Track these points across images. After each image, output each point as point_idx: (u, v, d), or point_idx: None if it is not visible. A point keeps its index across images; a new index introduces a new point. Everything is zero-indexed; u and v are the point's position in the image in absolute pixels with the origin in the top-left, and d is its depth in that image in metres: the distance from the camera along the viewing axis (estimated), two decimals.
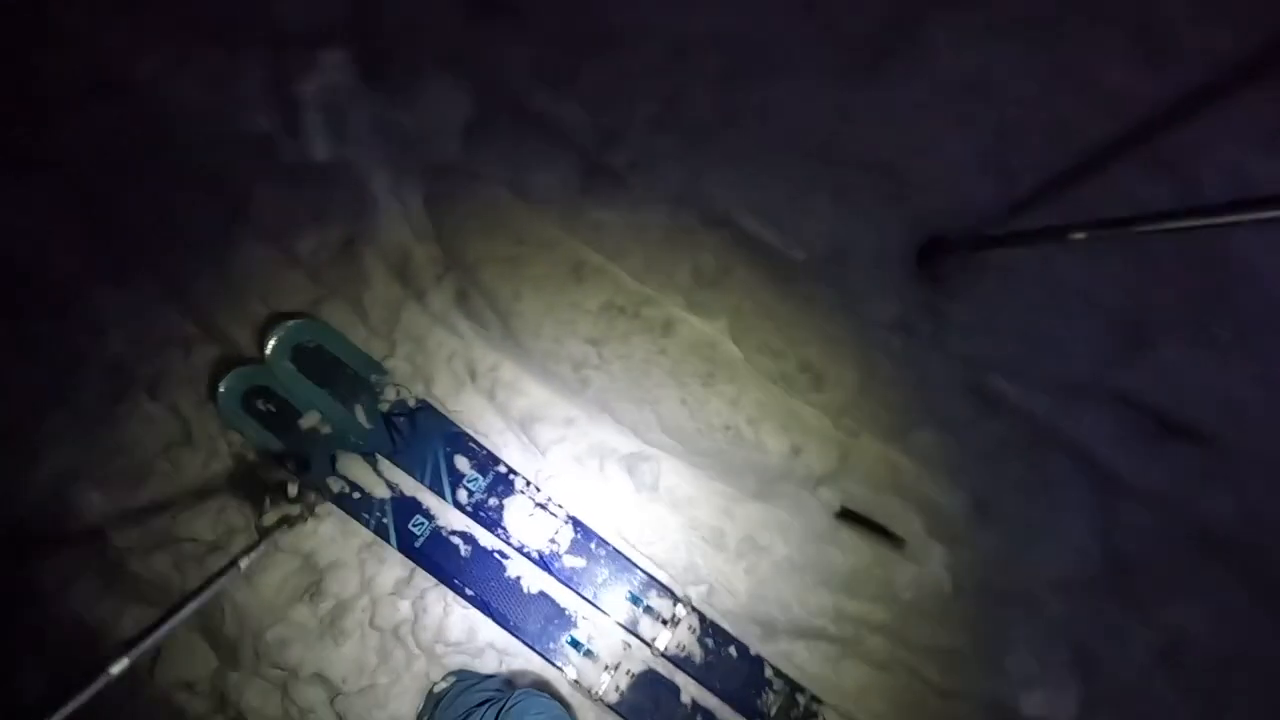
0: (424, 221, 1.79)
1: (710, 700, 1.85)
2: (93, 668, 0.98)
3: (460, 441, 1.96)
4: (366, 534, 2.03)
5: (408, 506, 1.96)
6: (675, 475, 1.81)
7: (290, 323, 1.99)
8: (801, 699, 1.82)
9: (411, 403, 1.99)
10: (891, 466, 1.51)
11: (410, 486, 1.98)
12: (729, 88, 1.40)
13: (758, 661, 1.84)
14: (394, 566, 2.14)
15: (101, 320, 2.13)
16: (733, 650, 1.84)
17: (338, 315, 2.04)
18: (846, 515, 1.71)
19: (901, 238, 1.40)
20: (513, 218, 1.56)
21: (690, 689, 1.87)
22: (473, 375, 1.94)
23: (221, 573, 1.46)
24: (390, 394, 1.99)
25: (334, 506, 1.99)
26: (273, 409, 2.02)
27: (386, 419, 1.97)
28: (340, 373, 1.99)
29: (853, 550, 1.65)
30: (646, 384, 1.58)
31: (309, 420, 2.02)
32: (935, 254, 1.36)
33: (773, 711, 1.82)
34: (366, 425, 1.96)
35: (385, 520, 1.94)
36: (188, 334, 2.15)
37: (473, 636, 2.04)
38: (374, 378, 1.99)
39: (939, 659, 1.61)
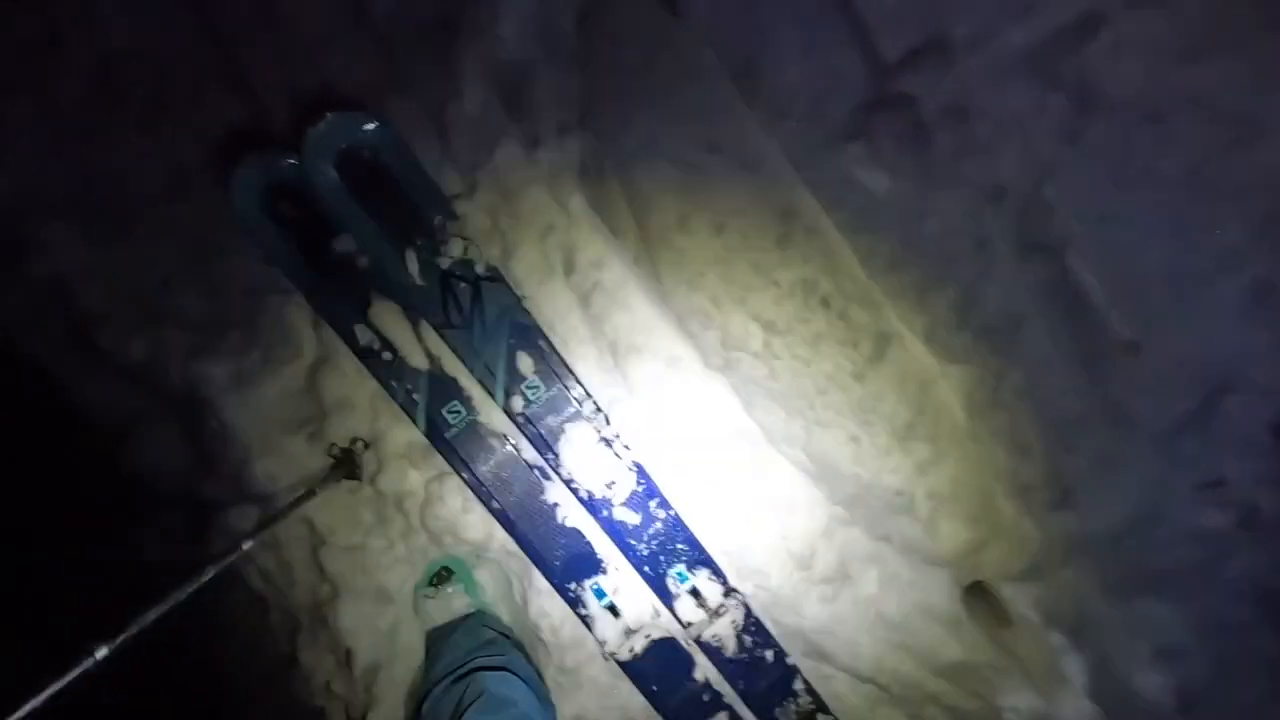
0: (567, 38, 1.19)
1: (724, 688, 1.67)
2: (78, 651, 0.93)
3: (530, 337, 1.55)
4: None
5: (447, 389, 1.62)
6: (781, 475, 1.44)
7: (342, 115, 1.42)
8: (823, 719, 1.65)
9: (480, 269, 1.54)
10: (1086, 610, 1.16)
11: (455, 367, 1.59)
12: None
13: (792, 671, 1.69)
14: (411, 427, 1.79)
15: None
16: (769, 654, 1.68)
17: (408, 119, 1.48)
18: (977, 597, 1.39)
19: None
20: (716, 106, 0.99)
21: (708, 671, 1.67)
22: (569, 266, 1.48)
23: (226, 555, 1.33)
24: (455, 248, 1.52)
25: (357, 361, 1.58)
26: (299, 218, 1.52)
27: (444, 279, 1.54)
28: (396, 199, 1.54)
29: (968, 645, 1.37)
30: (816, 402, 1.15)
31: (343, 244, 1.53)
32: None
33: None
34: (418, 280, 1.53)
35: (416, 396, 1.59)
36: (205, 65, 1.55)
37: (489, 543, 1.79)
38: (438, 220, 1.52)
39: None
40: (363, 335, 1.65)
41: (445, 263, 1.59)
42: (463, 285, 1.60)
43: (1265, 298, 0.89)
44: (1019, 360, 1.04)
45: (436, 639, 1.86)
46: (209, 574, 1.31)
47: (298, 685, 2.15)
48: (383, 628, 1.97)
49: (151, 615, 1.12)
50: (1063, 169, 0.89)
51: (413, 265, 1.60)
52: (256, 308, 1.90)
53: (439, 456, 1.85)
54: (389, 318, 1.66)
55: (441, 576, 1.91)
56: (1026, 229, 0.95)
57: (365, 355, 1.66)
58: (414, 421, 1.70)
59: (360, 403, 1.90)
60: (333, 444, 1.82)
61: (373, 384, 1.80)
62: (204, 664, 2.25)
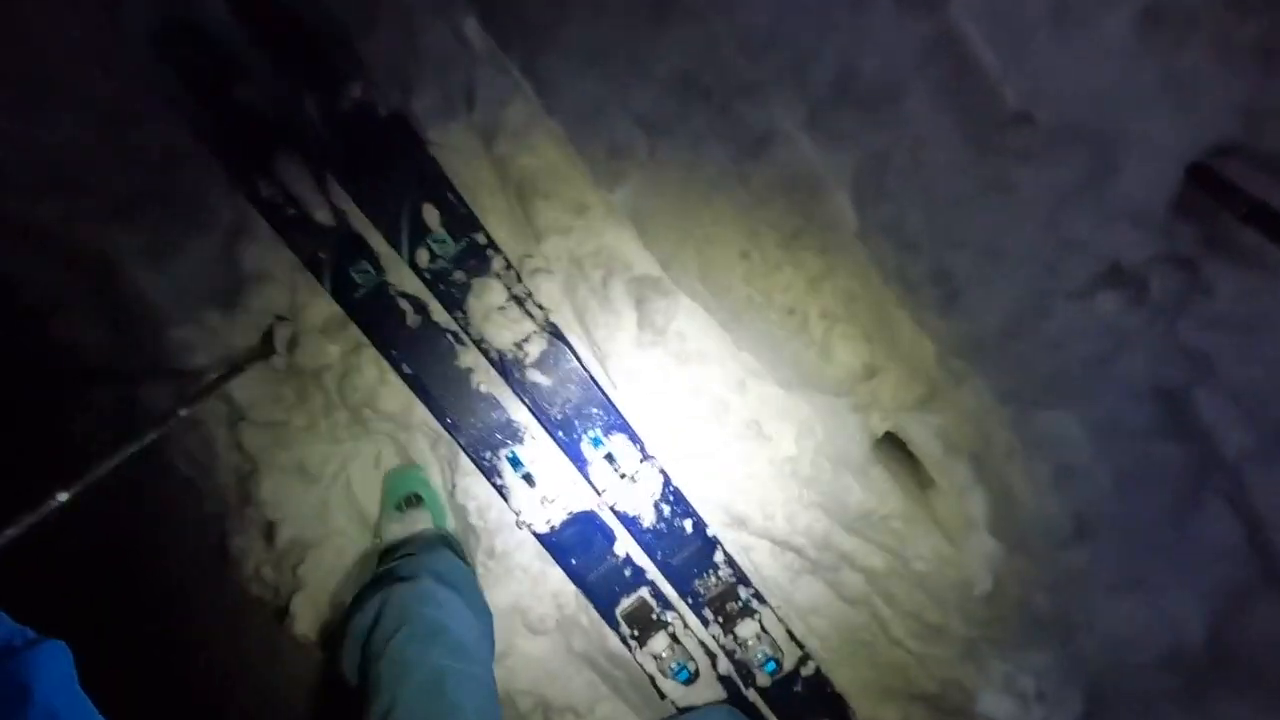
0: None
1: (645, 562, 1.62)
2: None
3: (435, 187, 1.50)
4: None
5: (353, 246, 1.55)
6: (692, 324, 1.42)
7: None
8: (744, 593, 1.64)
9: (383, 112, 1.44)
10: (985, 434, 1.10)
11: (361, 223, 1.54)
12: None
13: (712, 543, 1.63)
14: (329, 301, 1.73)
15: None
16: (688, 525, 1.62)
17: None
18: (889, 446, 1.33)
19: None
20: None
21: (628, 545, 1.62)
22: (470, 102, 1.38)
23: (165, 420, 1.35)
24: (355, 89, 1.42)
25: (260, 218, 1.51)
26: (198, 63, 1.45)
27: (345, 125, 1.44)
28: (295, 36, 1.41)
29: (878, 493, 1.32)
30: (702, 211, 1.08)
31: (241, 90, 1.47)
32: (1216, 187, 0.81)
33: (709, 596, 1.63)
34: (319, 127, 1.43)
35: (322, 255, 1.54)
36: None
37: (407, 413, 1.75)
38: (336, 54, 1.41)
39: (918, 628, 1.39)
40: (266, 189, 1.59)
41: (347, 107, 1.52)
42: (364, 132, 1.53)
43: (1153, 27, 0.81)
44: (902, 138, 0.96)
45: (392, 553, 1.80)
46: (152, 435, 1.30)
47: (229, 573, 2.12)
48: (309, 507, 1.94)
49: (107, 466, 1.14)
50: None
51: (313, 111, 1.53)
52: (174, 175, 1.84)
53: (354, 328, 1.80)
54: (293, 172, 1.60)
55: (410, 502, 1.86)
56: None
57: (269, 210, 1.60)
58: (320, 282, 1.64)
59: (278, 275, 1.85)
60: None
61: (290, 255, 1.74)
62: (135, 555, 2.23)
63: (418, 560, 1.59)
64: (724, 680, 1.79)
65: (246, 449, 1.87)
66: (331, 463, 1.94)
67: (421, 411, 1.85)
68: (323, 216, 1.61)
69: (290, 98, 1.54)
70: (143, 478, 2.08)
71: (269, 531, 1.89)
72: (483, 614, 1.56)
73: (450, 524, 1.89)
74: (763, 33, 0.99)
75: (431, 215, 1.56)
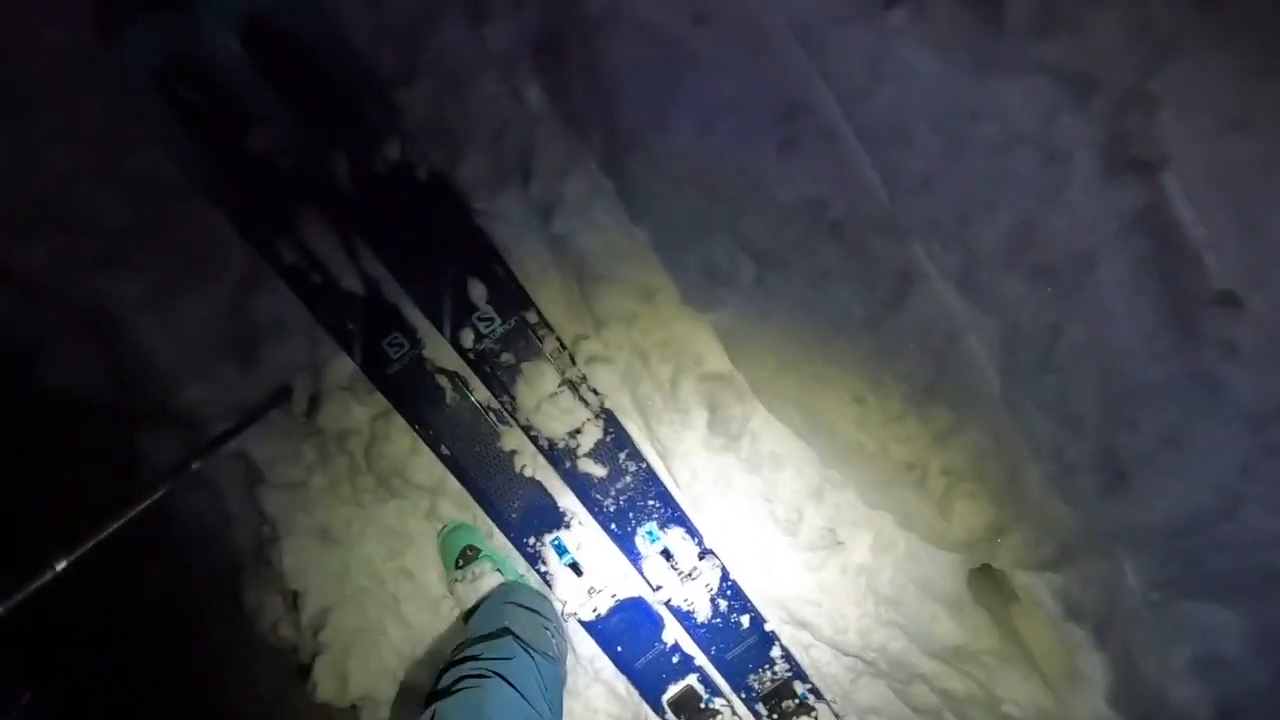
0: None
1: (695, 652, 1.52)
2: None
3: (482, 259, 1.33)
4: None
5: (385, 317, 1.40)
6: (768, 427, 1.26)
7: None
8: (800, 688, 1.53)
9: (422, 174, 1.26)
10: (1116, 604, 1.00)
11: (395, 293, 1.37)
12: None
13: (769, 639, 1.55)
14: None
15: None
16: (745, 620, 1.52)
17: None
18: (983, 574, 1.22)
19: None
20: None
21: (677, 633, 1.53)
22: (525, 171, 1.20)
23: (174, 474, 1.24)
24: (393, 148, 1.24)
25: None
26: (204, 104, 1.26)
27: (381, 187, 1.26)
28: (321, 84, 1.22)
29: (970, 628, 1.22)
30: (814, 349, 0.93)
31: (257, 140, 1.28)
32: None
33: (763, 691, 1.53)
34: (348, 186, 1.25)
35: (350, 326, 1.35)
36: None
37: (441, 487, 1.58)
38: (369, 106, 1.22)
39: None
40: (287, 252, 1.40)
41: (381, 166, 1.32)
42: (402, 193, 1.34)
43: None
44: (1084, 311, 0.81)
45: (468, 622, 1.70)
46: (161, 490, 1.20)
47: (240, 625, 2.02)
48: (330, 570, 1.81)
49: (109, 528, 1.05)
50: (1179, 56, 0.64)
51: (342, 169, 1.33)
52: (174, 213, 1.64)
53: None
54: (316, 231, 1.40)
55: (467, 556, 1.73)
56: (1118, 138, 0.70)
57: (291, 276, 1.42)
58: (349, 354, 1.47)
59: (295, 327, 1.67)
60: None
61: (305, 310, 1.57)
62: (140, 598, 2.11)
63: (477, 663, 1.48)
64: None
65: (267, 513, 1.73)
66: (354, 524, 1.81)
67: (456, 484, 1.71)
68: (351, 284, 1.43)
69: (316, 153, 1.34)
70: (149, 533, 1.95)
71: (294, 600, 1.77)
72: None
73: (514, 568, 1.79)
74: (919, 174, 0.81)
75: (477, 290, 1.38)
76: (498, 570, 1.71)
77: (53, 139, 1.59)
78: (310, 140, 1.33)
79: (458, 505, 1.78)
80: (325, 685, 1.88)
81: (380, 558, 1.88)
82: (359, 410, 1.70)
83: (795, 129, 0.86)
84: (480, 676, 1.36)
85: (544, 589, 1.64)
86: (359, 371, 1.66)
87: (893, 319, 0.93)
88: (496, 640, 1.52)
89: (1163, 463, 0.87)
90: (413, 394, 1.48)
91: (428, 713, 1.31)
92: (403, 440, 1.67)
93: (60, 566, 0.95)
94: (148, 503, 1.19)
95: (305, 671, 1.98)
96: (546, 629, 1.61)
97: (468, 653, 1.47)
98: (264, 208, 1.38)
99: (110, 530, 1.10)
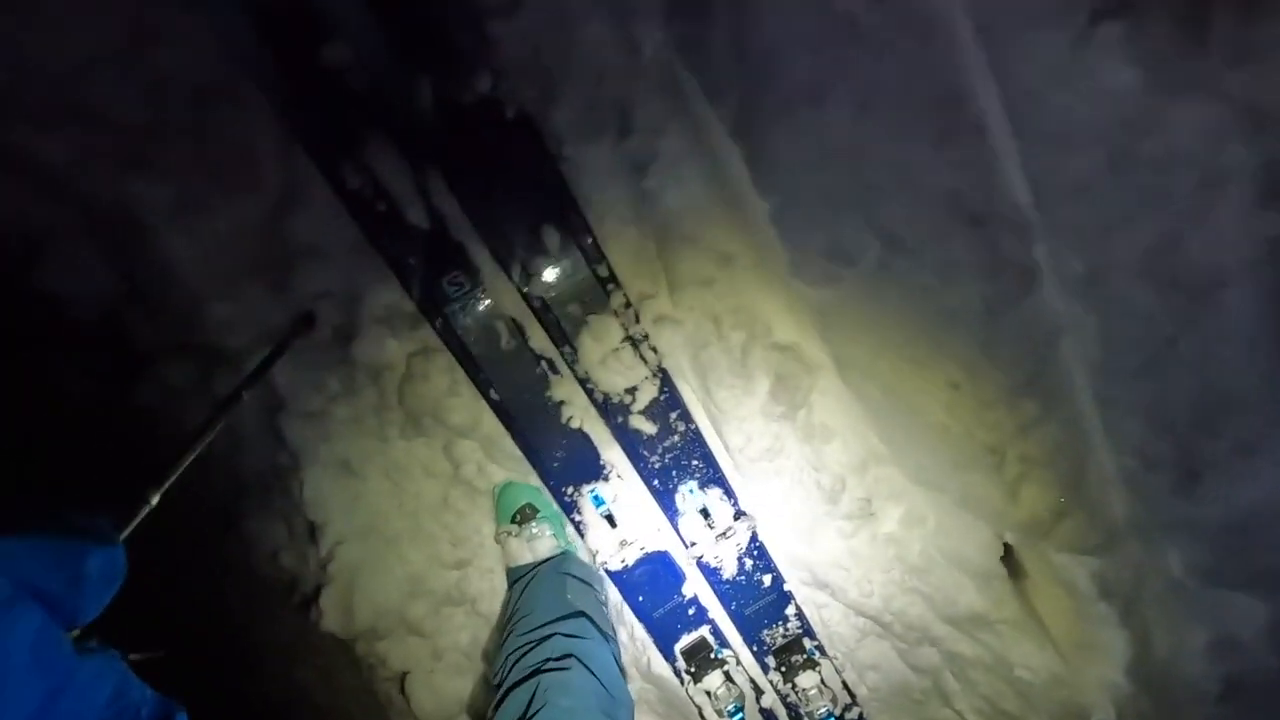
0: None
1: (713, 605, 1.61)
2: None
3: (560, 207, 1.30)
4: None
5: (450, 254, 1.38)
6: (825, 399, 1.30)
7: None
8: (809, 644, 1.63)
9: (510, 112, 1.24)
10: (1145, 586, 1.10)
11: (463, 230, 1.34)
12: None
13: (786, 597, 1.66)
14: (395, 288, 1.54)
15: None
16: (768, 579, 1.60)
17: None
18: (1006, 555, 1.32)
19: None
20: None
21: (698, 587, 1.60)
22: (623, 126, 1.21)
23: (228, 403, 1.20)
24: (483, 81, 1.22)
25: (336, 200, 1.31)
26: (278, 6, 1.20)
27: (463, 120, 1.23)
28: (412, 3, 1.17)
29: (995, 599, 1.31)
30: (920, 336, 0.99)
31: (335, 53, 1.24)
32: None
33: (774, 645, 1.63)
34: (428, 115, 1.21)
35: (411, 260, 1.32)
36: None
37: (473, 427, 1.59)
38: (464, 33, 1.19)
39: (987, 709, 1.41)
40: (352, 177, 1.34)
41: (467, 99, 1.27)
42: (481, 127, 1.29)
43: None
44: (1202, 326, 0.88)
45: (518, 583, 1.73)
46: (221, 420, 1.15)
47: (234, 550, 1.97)
48: (347, 503, 1.79)
49: (187, 459, 1.02)
50: None
51: (424, 96, 1.28)
52: (211, 116, 1.54)
53: (428, 328, 1.61)
54: (386, 159, 1.35)
55: (525, 514, 1.76)
56: (1275, 170, 0.75)
57: (353, 202, 1.36)
58: (406, 289, 1.43)
59: (335, 252, 1.61)
60: None
61: (352, 230, 1.51)
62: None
63: (558, 642, 1.52)
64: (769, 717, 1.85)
65: (288, 441, 1.68)
66: (375, 460, 1.78)
67: (490, 427, 1.70)
68: (417, 217, 1.38)
69: (399, 75, 1.27)
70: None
71: (309, 532, 1.74)
72: (618, 700, 1.51)
73: (568, 535, 1.82)
74: (1073, 181, 0.85)
75: (551, 238, 1.36)
76: (553, 535, 1.74)
77: (75, 19, 1.46)
78: (394, 61, 1.26)
79: (490, 450, 1.78)
80: (330, 617, 1.88)
81: (400, 494, 1.87)
82: (394, 345, 1.67)
83: (953, 121, 0.88)
84: (566, 657, 1.42)
85: (575, 538, 1.68)
86: (399, 304, 1.62)
87: (1007, 314, 0.99)
88: (571, 620, 1.57)
89: (1236, 467, 0.96)
90: (467, 336, 1.46)
91: (522, 692, 1.35)
92: (441, 380, 1.65)
93: (154, 501, 0.91)
94: (213, 434, 1.15)
95: (306, 604, 1.98)
96: (603, 604, 1.67)
97: (545, 631, 1.51)
98: (332, 127, 1.31)
99: (190, 460, 1.06)
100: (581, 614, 1.69)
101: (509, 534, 1.77)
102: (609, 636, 1.59)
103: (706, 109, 1.05)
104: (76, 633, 0.63)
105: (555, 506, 1.79)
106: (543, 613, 1.62)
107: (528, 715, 1.29)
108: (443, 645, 1.99)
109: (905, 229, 0.95)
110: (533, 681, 1.39)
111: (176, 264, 1.58)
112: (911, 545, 1.45)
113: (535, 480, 1.80)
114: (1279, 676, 1.08)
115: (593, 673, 1.41)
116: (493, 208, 1.37)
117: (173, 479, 0.99)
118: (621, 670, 1.58)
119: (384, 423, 1.74)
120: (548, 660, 1.42)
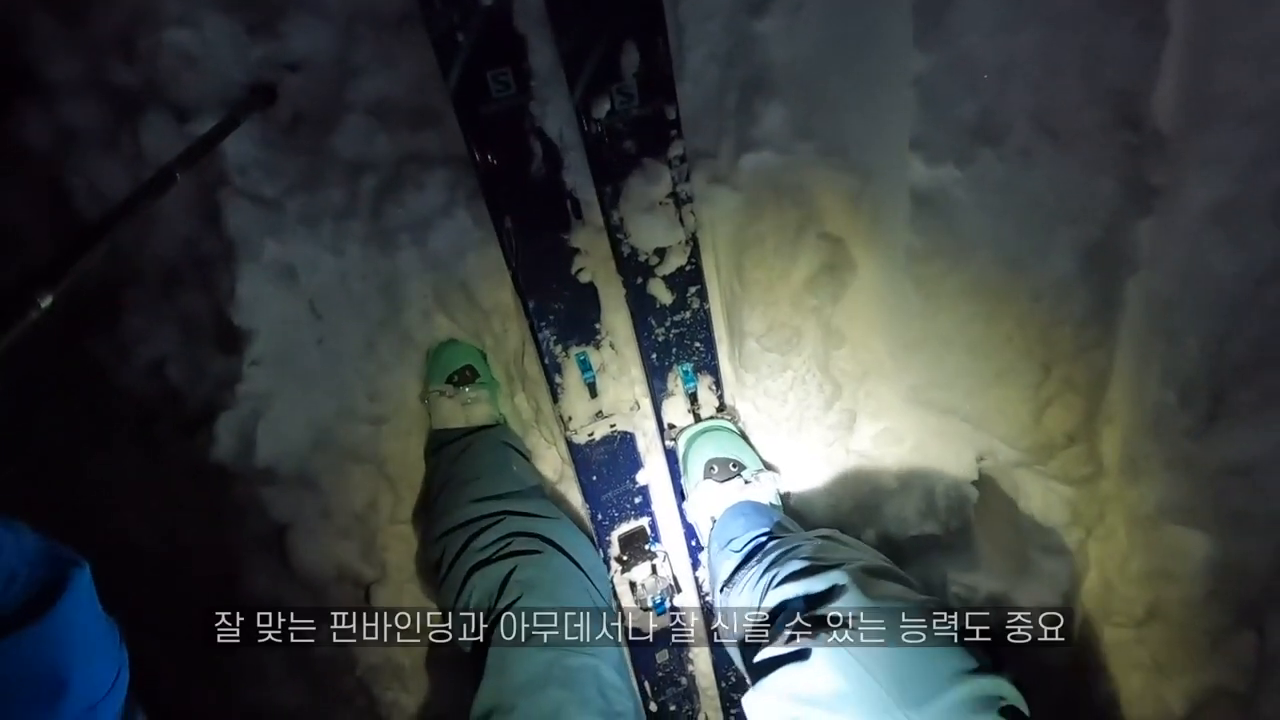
0: None
1: (661, 496, 1.61)
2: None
3: (649, 30, 1.19)
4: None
5: (506, 46, 1.21)
6: (849, 308, 1.34)
7: None
8: None
9: None
10: (1105, 519, 1.24)
11: (530, 22, 1.21)
12: None
13: None
14: (399, 77, 1.39)
15: None
16: None
17: None
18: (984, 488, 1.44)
19: None
20: None
21: (653, 474, 1.58)
22: None
23: (154, 184, 0.96)
24: None
25: None
26: None
27: None
28: None
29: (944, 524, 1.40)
30: (1045, 215, 1.00)
31: None
32: None
33: None
34: None
35: (459, 38, 1.15)
36: None
37: (455, 259, 1.50)
38: None
39: None
40: None
41: None
42: None
43: None
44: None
45: (449, 447, 1.58)
46: (144, 205, 0.92)
47: (104, 354, 1.62)
48: (275, 316, 1.53)
49: (93, 256, 0.79)
50: None
51: None
52: None
53: (430, 132, 1.41)
54: None
55: (465, 376, 1.60)
56: None
57: None
58: (443, 71, 1.23)
59: (331, 10, 1.36)
60: None
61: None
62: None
63: (521, 521, 1.40)
64: None
65: (224, 225, 1.39)
66: (321, 269, 1.53)
67: (474, 264, 1.53)
68: None
69: None
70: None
71: (234, 341, 1.46)
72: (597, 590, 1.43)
73: (505, 404, 1.70)
74: (1245, 107, 0.89)
75: (630, 60, 1.23)
76: (490, 403, 1.61)
77: None
78: None
79: (452, 294, 1.60)
80: (224, 445, 1.61)
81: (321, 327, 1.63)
82: (385, 141, 1.44)
83: (1150, 15, 0.90)
84: (534, 537, 1.34)
85: (548, 400, 1.57)
86: (406, 99, 1.40)
87: (1120, 232, 1.03)
88: (529, 498, 1.46)
89: (1252, 419, 1.09)
90: (495, 144, 1.29)
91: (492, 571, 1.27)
92: (435, 195, 1.46)
93: (46, 304, 0.70)
94: (133, 215, 0.91)
95: (187, 429, 1.68)
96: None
97: (500, 506, 1.40)
98: None
99: (92, 259, 0.83)
100: (538, 489, 1.59)
101: (442, 393, 1.62)
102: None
103: None
104: None
105: (496, 375, 1.68)
106: (489, 483, 1.51)
107: (503, 606, 1.22)
108: (334, 504, 1.79)
109: (1062, 119, 0.97)
110: (505, 564, 1.29)
111: None
112: (884, 462, 1.52)
113: (489, 342, 1.68)
114: (1202, 601, 1.27)
115: (571, 557, 1.34)
116: (573, 6, 1.21)
117: (73, 277, 0.77)
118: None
119: (341, 233, 1.51)
120: (511, 539, 1.33)
